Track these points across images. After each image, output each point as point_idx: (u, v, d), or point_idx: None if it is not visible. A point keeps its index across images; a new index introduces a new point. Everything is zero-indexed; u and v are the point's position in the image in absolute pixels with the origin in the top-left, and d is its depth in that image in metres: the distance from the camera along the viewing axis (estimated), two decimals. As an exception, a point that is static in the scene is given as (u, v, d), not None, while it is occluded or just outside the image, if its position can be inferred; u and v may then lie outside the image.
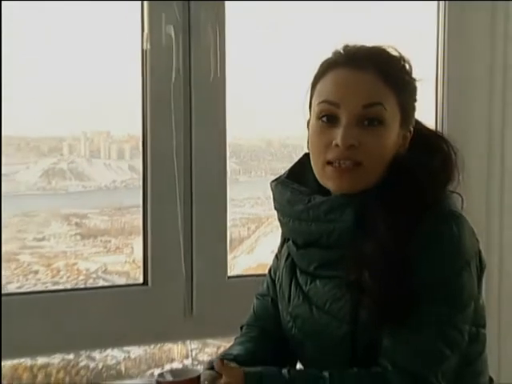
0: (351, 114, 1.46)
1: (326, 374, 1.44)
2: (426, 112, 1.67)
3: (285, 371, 1.45)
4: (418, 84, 1.56)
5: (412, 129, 1.54)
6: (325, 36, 2.16)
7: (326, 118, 1.48)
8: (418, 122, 1.58)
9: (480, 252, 1.52)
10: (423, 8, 2.33)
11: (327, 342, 1.51)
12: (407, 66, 1.53)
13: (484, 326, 1.57)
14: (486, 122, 2.35)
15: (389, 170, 1.50)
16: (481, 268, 1.52)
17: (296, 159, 1.65)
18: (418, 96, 1.56)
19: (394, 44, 1.54)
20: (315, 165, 1.51)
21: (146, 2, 2.06)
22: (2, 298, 2.07)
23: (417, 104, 1.56)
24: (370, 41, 1.54)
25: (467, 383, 1.55)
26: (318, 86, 1.52)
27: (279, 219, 1.61)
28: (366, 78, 1.47)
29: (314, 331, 1.53)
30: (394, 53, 1.53)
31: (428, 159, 1.52)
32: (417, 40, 2.28)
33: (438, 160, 1.53)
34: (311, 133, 1.52)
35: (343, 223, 1.47)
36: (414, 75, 1.55)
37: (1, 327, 2.01)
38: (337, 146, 1.45)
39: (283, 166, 1.67)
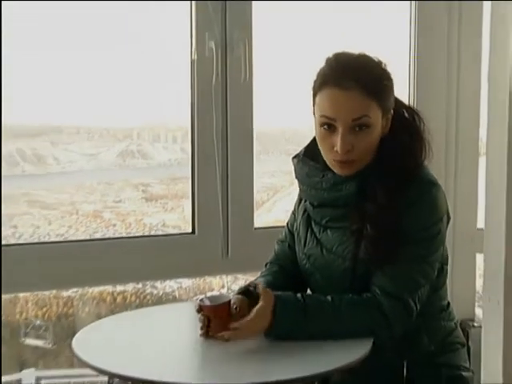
0: (344, 126, 1.44)
1: (328, 297, 1.45)
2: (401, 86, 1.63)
3: (298, 295, 1.46)
4: (396, 70, 1.51)
5: (392, 111, 1.52)
6: (325, 38, 2.14)
7: (327, 126, 1.47)
8: (397, 101, 1.54)
9: (448, 210, 1.53)
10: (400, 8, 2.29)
11: (333, 274, 1.52)
12: (385, 69, 1.49)
13: (447, 264, 1.59)
14: (444, 92, 2.29)
15: (379, 150, 1.49)
16: (448, 221, 1.53)
17: (303, 143, 1.62)
18: (397, 73, 1.52)
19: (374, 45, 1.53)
20: (325, 157, 1.52)
21: (193, 24, 2.04)
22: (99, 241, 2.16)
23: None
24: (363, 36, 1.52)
25: (433, 304, 1.55)
26: (317, 99, 1.50)
27: (299, 186, 1.61)
28: (353, 96, 1.43)
29: (323, 266, 1.54)
30: (375, 60, 1.48)
31: (408, 140, 1.51)
32: (396, 34, 2.27)
33: (415, 140, 1.52)
34: (318, 135, 1.52)
35: (347, 192, 1.49)
36: (391, 72, 1.49)
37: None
38: (337, 151, 1.45)
39: (294, 148, 1.68)
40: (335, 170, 1.50)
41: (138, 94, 2.15)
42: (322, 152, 1.51)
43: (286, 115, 2.25)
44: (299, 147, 1.64)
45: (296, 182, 1.61)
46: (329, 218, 1.53)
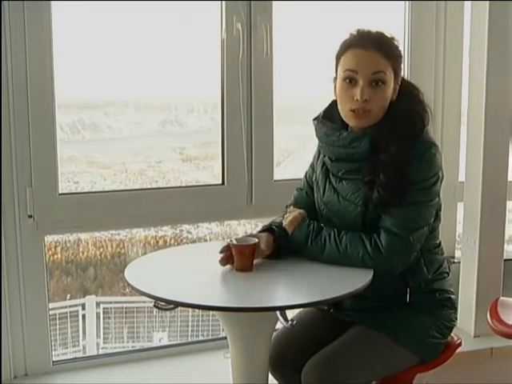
0: (365, 78, 1.36)
1: (336, 230, 1.40)
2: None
3: (316, 224, 1.43)
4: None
5: (399, 82, 1.42)
6: (334, 26, 1.98)
7: (349, 80, 1.38)
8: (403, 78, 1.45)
9: (442, 167, 1.43)
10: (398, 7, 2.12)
11: (346, 218, 1.43)
12: (397, 44, 1.43)
13: (441, 210, 1.49)
14: (432, 75, 2.14)
15: (389, 113, 1.40)
16: (442, 176, 1.43)
17: (313, 114, 1.51)
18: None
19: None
20: (342, 110, 1.41)
21: (224, 9, 1.87)
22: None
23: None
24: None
25: (430, 242, 1.47)
26: (342, 59, 1.40)
27: (319, 144, 1.50)
28: (373, 55, 1.37)
29: (338, 211, 1.45)
30: (389, 36, 1.42)
31: (414, 105, 1.43)
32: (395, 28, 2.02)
33: (418, 105, 1.43)
34: (339, 89, 1.41)
35: (361, 148, 1.39)
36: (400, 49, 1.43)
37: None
38: (357, 100, 1.37)
39: (306, 117, 1.53)
40: (351, 122, 1.40)
41: (175, 73, 1.99)
42: (340, 105, 1.41)
43: (301, 88, 2.07)
44: (311, 116, 1.51)
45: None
46: (344, 170, 1.44)
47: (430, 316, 1.45)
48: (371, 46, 1.37)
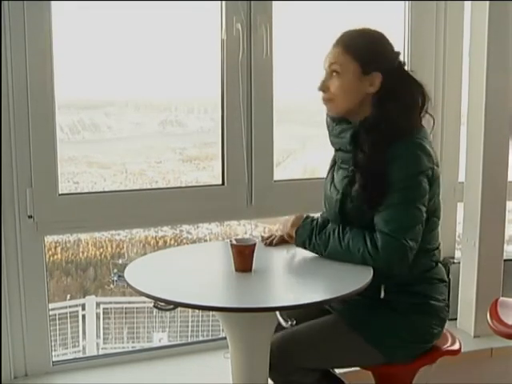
0: (326, 72, 1.46)
1: (341, 226, 1.42)
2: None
3: (319, 221, 1.46)
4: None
5: (380, 74, 1.41)
6: (331, 30, 1.98)
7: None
8: (408, 74, 1.46)
9: (433, 169, 1.40)
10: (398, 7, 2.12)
11: (331, 203, 1.50)
12: (375, 37, 1.44)
13: (435, 216, 1.47)
14: (432, 75, 2.14)
15: (378, 107, 1.40)
16: (433, 178, 1.40)
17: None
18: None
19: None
20: None
21: (223, 9, 1.87)
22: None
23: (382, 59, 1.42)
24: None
25: (428, 242, 1.46)
26: None
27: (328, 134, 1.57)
28: (333, 51, 1.45)
29: (327, 197, 1.52)
30: (370, 31, 1.45)
31: (406, 94, 1.41)
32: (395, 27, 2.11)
33: (414, 94, 1.42)
34: None
35: (345, 140, 1.45)
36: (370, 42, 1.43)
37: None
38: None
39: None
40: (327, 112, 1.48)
41: (175, 73, 1.99)
42: None
43: (299, 89, 2.06)
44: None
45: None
46: (341, 160, 1.49)
47: (405, 318, 1.42)
48: (335, 44, 1.45)
